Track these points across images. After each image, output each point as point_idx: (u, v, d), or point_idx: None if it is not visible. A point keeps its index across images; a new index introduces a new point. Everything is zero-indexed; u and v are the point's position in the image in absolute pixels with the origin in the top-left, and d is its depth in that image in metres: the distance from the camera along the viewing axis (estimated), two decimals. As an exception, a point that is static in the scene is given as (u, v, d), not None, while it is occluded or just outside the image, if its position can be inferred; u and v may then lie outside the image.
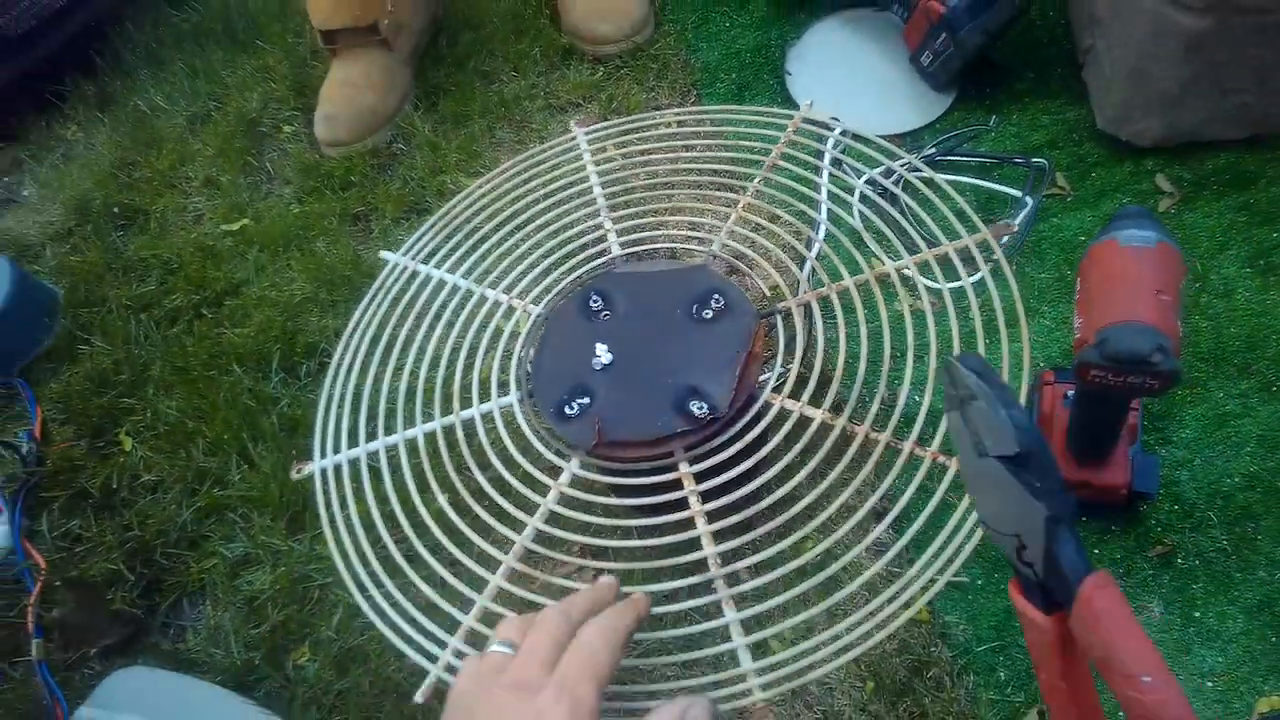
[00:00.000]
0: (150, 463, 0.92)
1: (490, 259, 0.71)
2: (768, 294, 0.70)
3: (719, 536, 0.58)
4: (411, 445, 0.67)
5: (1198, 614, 0.70)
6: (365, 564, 0.62)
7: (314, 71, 1.25)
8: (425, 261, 0.72)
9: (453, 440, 0.66)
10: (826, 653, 0.52)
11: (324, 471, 0.66)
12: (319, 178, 1.12)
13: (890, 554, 0.57)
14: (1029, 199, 0.91)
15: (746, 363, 0.62)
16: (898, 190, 0.73)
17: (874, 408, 0.62)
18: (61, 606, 0.82)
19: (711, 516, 0.59)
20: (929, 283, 0.77)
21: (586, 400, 0.63)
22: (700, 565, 0.57)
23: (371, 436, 0.68)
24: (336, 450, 0.67)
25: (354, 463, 0.67)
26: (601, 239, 0.71)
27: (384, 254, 0.74)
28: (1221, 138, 0.91)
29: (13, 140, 1.30)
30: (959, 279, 0.64)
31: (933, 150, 0.98)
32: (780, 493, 0.59)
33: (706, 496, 0.60)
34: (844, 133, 0.72)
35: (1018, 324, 0.63)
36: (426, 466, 0.65)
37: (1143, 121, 0.91)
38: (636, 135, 0.78)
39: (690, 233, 0.78)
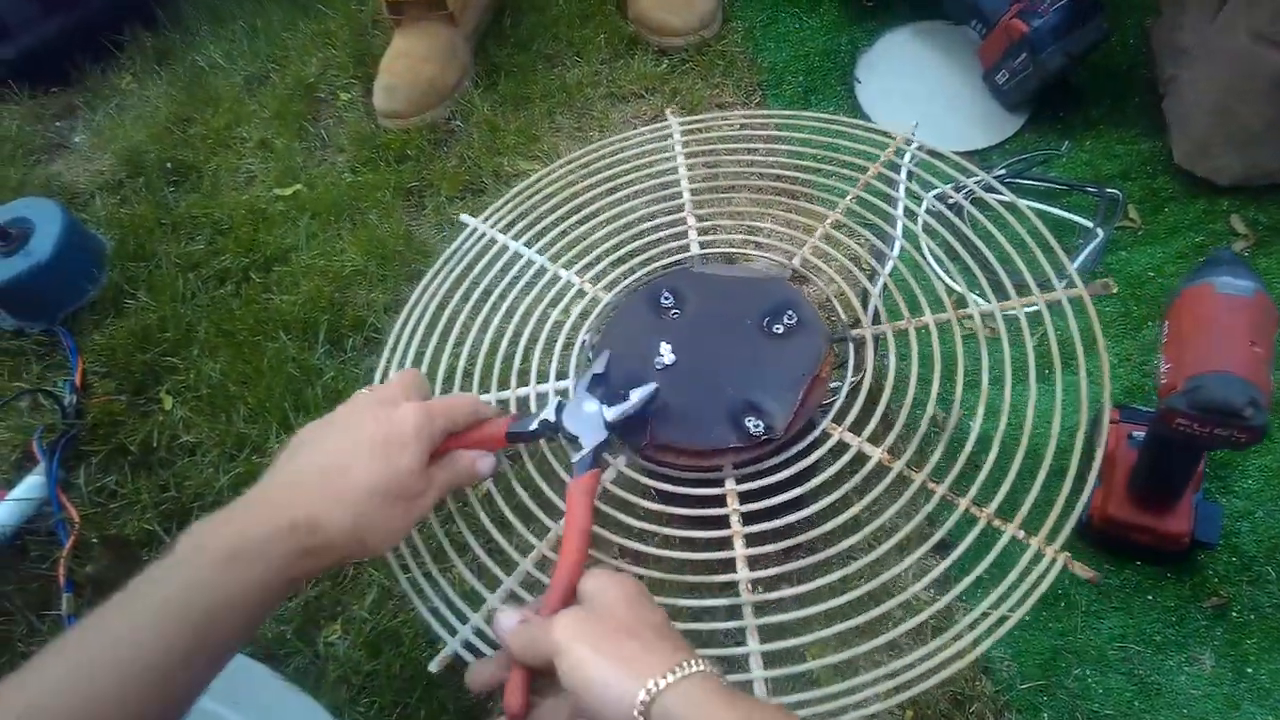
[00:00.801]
0: (190, 424, 0.91)
1: (568, 238, 0.69)
2: (843, 317, 0.68)
3: (754, 562, 0.56)
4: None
5: (1250, 669, 0.68)
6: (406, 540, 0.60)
7: (375, 40, 1.24)
8: (504, 231, 0.71)
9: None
10: (868, 694, 0.50)
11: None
12: (374, 149, 1.11)
13: (933, 608, 0.52)
14: (1100, 230, 0.89)
15: (811, 387, 0.59)
16: (979, 214, 0.71)
17: (935, 457, 0.57)
18: (95, 563, 0.82)
19: (750, 540, 0.57)
20: (985, 305, 0.74)
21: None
22: (730, 588, 0.55)
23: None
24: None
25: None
26: (682, 234, 0.68)
27: (464, 217, 0.73)
28: (1304, 183, 0.89)
29: (68, 86, 1.29)
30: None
31: (1002, 171, 0.96)
32: (827, 526, 0.56)
33: (749, 518, 0.58)
34: (926, 150, 0.70)
35: (1091, 357, 0.59)
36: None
37: (1222, 159, 0.89)
38: (729, 133, 0.76)
39: (772, 241, 0.76)
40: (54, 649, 0.41)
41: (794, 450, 0.59)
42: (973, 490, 0.55)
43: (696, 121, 0.75)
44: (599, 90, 1.13)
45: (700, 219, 0.70)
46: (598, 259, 0.69)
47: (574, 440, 0.55)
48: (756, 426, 0.58)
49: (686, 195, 0.70)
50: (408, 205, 1.06)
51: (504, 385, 0.65)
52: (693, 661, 0.40)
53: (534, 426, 0.56)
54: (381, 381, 0.64)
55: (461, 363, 0.67)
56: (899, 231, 0.69)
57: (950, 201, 0.82)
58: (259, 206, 1.07)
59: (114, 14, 1.30)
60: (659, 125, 0.75)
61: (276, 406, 0.90)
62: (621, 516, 0.58)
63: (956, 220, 0.73)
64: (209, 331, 0.96)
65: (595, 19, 1.20)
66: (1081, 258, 0.88)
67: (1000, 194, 0.69)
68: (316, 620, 0.78)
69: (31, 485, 0.87)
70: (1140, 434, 0.72)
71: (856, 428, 0.60)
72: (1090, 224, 0.90)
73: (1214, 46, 0.85)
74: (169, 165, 1.15)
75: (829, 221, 0.67)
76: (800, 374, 0.60)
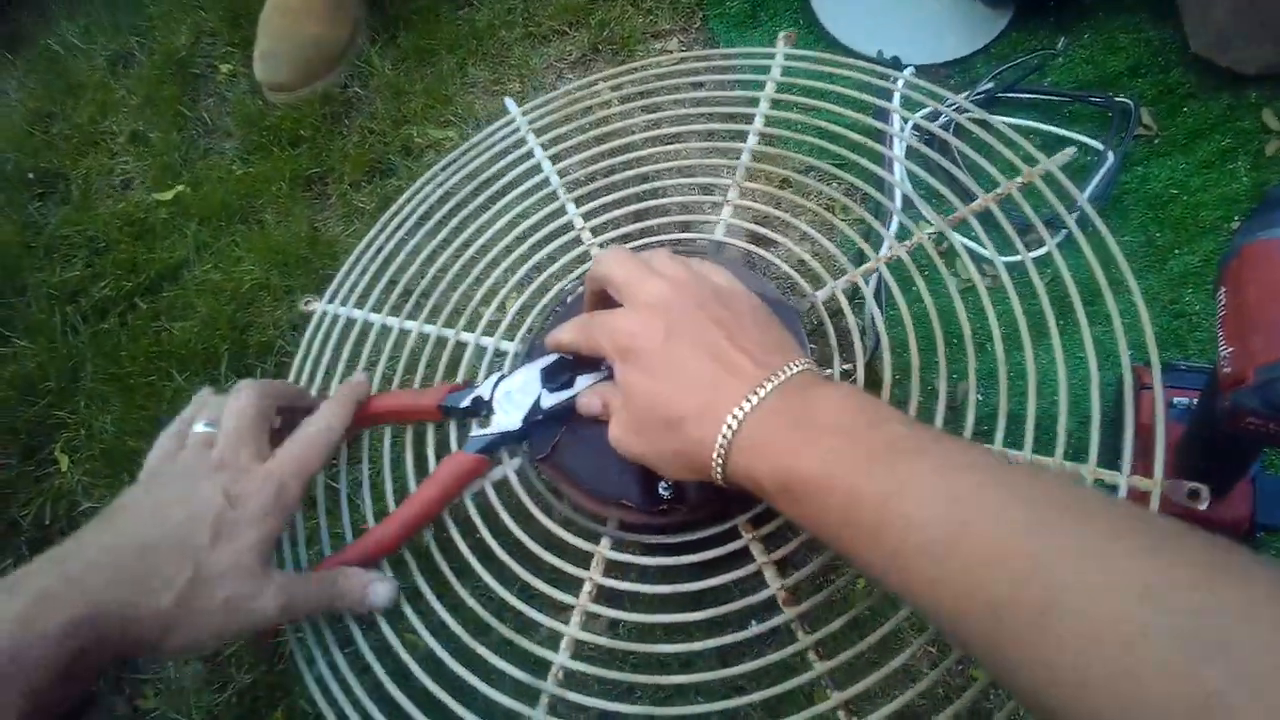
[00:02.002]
0: (90, 487, 0.79)
1: (440, 290, 0.55)
2: (798, 276, 0.55)
3: (794, 591, 0.46)
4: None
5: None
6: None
7: (251, -2, 1.07)
8: (359, 306, 0.56)
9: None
10: None
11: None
12: (264, 131, 0.95)
13: None
14: (1110, 153, 0.76)
15: None
16: (949, 137, 0.57)
17: (940, 413, 0.48)
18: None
19: (767, 544, 0.47)
20: (984, 251, 0.62)
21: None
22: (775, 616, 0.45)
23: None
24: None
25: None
26: (567, 226, 0.55)
27: (308, 305, 0.58)
28: (1345, 64, 0.75)
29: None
30: (1021, 250, 0.50)
31: (989, 85, 0.82)
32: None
33: (769, 543, 0.47)
34: (903, 67, 0.56)
35: (1099, 301, 0.48)
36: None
37: (1249, 46, 0.75)
38: (589, 102, 0.61)
39: (686, 216, 0.63)
40: None
41: (695, 536, 0.47)
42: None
43: (542, 105, 0.60)
44: (515, 31, 0.97)
45: (588, 215, 0.55)
46: (483, 303, 0.55)
47: (488, 414, 0.48)
48: (668, 489, 0.46)
49: (561, 192, 0.56)
50: (309, 197, 0.92)
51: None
52: (770, 376, 0.36)
53: (466, 403, 0.49)
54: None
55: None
56: (899, 173, 0.55)
57: (925, 131, 0.69)
58: (138, 216, 0.93)
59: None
60: (502, 121, 0.60)
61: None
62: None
63: (935, 154, 0.60)
64: (95, 376, 0.83)
65: (502, -56, 1.03)
66: (1092, 185, 0.75)
67: (984, 117, 0.55)
68: (255, 712, 0.68)
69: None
70: (1183, 401, 0.61)
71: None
72: (1099, 144, 0.77)
73: (1237, -92, 0.71)
74: (31, 175, 0.99)
75: (740, 169, 0.53)
76: None
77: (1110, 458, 0.44)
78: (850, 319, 0.49)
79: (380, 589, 0.44)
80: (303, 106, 0.95)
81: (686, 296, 0.40)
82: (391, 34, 1.00)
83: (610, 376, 0.47)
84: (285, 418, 0.48)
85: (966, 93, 0.81)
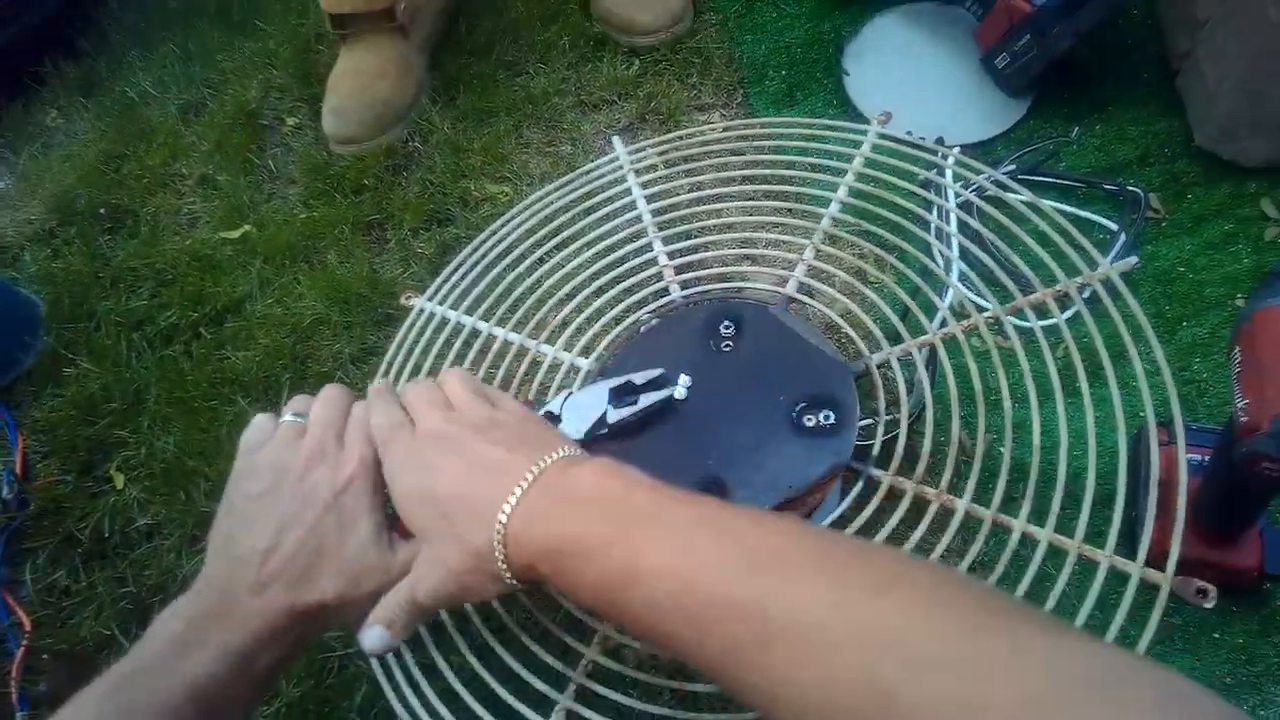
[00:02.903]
0: (146, 504, 0.83)
1: (528, 304, 0.61)
2: (856, 339, 0.61)
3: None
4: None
5: (1332, 710, 0.62)
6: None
7: (320, 58, 1.15)
8: (454, 307, 0.62)
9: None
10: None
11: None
12: (328, 179, 1.02)
13: None
14: (1123, 233, 0.82)
15: (786, 503, 0.51)
16: (989, 208, 0.63)
17: (946, 475, 0.53)
18: (49, 678, 0.73)
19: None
20: (1022, 322, 0.67)
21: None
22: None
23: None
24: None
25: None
26: (652, 262, 0.60)
27: (409, 299, 0.63)
28: (1337, 161, 0.82)
29: (-16, 126, 1.18)
30: (1053, 315, 0.56)
31: (1012, 167, 0.89)
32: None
33: None
34: (950, 146, 0.62)
35: (1122, 363, 0.53)
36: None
37: (1250, 140, 0.82)
38: (687, 151, 0.68)
39: (759, 269, 0.69)
40: None
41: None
42: (995, 498, 0.50)
43: (649, 145, 0.67)
44: (567, 99, 1.04)
45: (672, 255, 0.61)
46: (566, 321, 0.60)
47: (553, 421, 0.52)
48: None
49: (651, 230, 0.62)
50: (369, 241, 0.97)
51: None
52: (536, 464, 0.40)
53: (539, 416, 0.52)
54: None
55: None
56: (954, 246, 0.61)
57: (961, 200, 0.75)
58: (204, 252, 0.98)
59: (32, 44, 1.20)
60: (609, 157, 0.66)
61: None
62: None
63: (974, 222, 0.66)
64: (159, 399, 0.87)
65: (558, 20, 1.11)
66: (1109, 260, 0.81)
67: (1018, 192, 0.62)
68: (303, 725, 0.70)
69: (-29, 590, 0.78)
70: (1197, 458, 0.66)
71: (884, 464, 0.53)
72: (1113, 225, 0.83)
73: (1240, 22, 0.78)
74: (102, 210, 1.05)
75: (818, 235, 0.59)
76: (787, 484, 0.51)
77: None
78: (900, 382, 0.54)
79: None
80: (366, 158, 1.02)
81: (456, 422, 0.45)
82: (451, 96, 1.07)
83: (671, 395, 0.52)
84: None
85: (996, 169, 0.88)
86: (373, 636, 0.43)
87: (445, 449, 0.44)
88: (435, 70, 1.10)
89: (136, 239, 1.02)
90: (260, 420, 0.50)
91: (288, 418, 0.50)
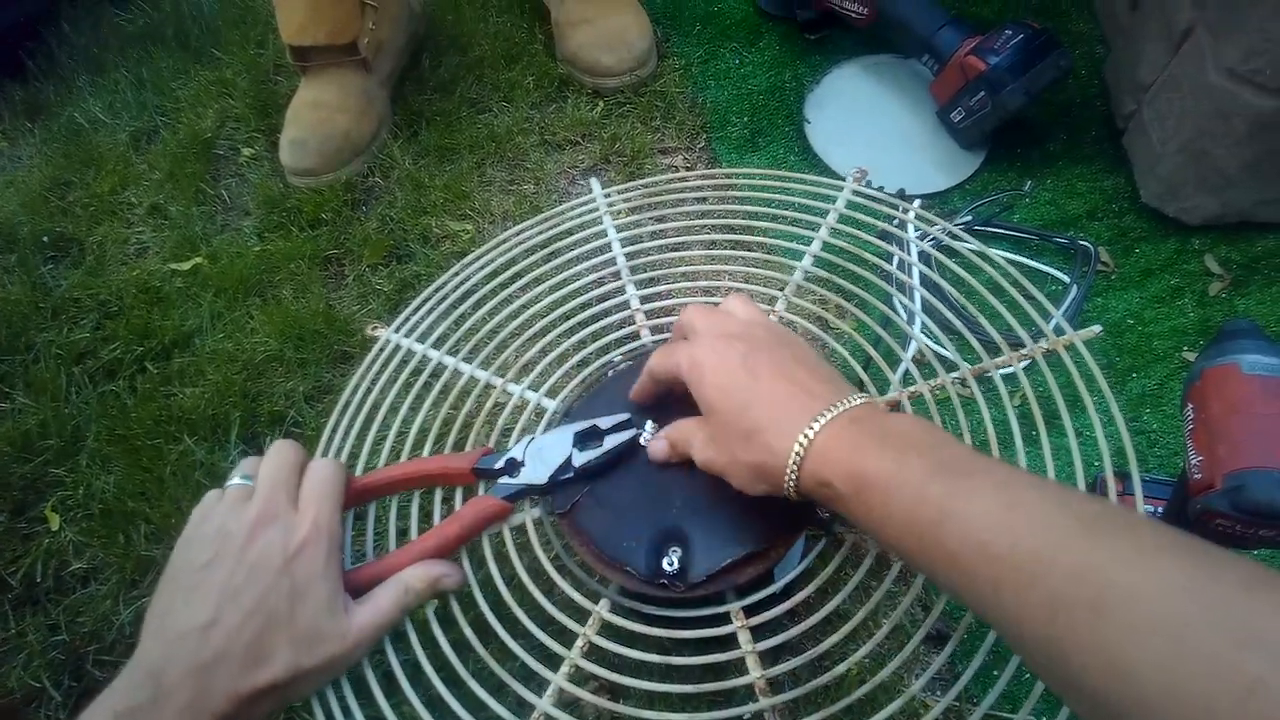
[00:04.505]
0: (82, 548, 0.79)
1: (496, 341, 0.59)
2: None
3: (764, 657, 0.49)
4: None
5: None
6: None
7: (279, 88, 1.13)
8: (421, 340, 0.60)
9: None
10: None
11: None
12: (284, 212, 1.00)
13: (953, 692, 0.48)
14: (1075, 285, 0.84)
15: (747, 561, 0.49)
16: (947, 260, 0.64)
17: None
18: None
19: (755, 633, 0.50)
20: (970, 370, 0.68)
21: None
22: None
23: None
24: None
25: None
26: (624, 305, 0.59)
27: (375, 330, 0.62)
28: (1275, 219, 0.86)
29: (-76, 148, 1.14)
30: (1015, 365, 0.56)
31: (968, 218, 0.91)
32: (824, 611, 0.49)
33: (757, 633, 0.50)
34: (910, 199, 0.63)
35: (1078, 413, 0.54)
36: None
37: (1194, 199, 0.85)
38: (662, 196, 0.67)
39: None
40: None
41: (682, 615, 0.49)
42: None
43: (626, 188, 0.66)
44: (531, 138, 1.04)
45: (645, 299, 0.60)
46: (534, 360, 0.59)
47: (516, 468, 0.51)
48: (671, 565, 0.49)
49: (625, 273, 0.61)
50: (326, 276, 0.95)
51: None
52: (841, 399, 0.40)
53: (500, 464, 0.51)
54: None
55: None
56: (917, 300, 0.61)
57: (925, 255, 0.76)
58: (153, 284, 0.95)
59: (-25, 65, 1.16)
60: (586, 198, 0.66)
61: (184, 522, 0.78)
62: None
63: (932, 274, 0.66)
64: (99, 436, 0.84)
65: (522, 60, 1.11)
66: (1061, 311, 0.83)
67: (970, 244, 0.63)
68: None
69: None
70: (1151, 509, 0.67)
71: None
72: (1065, 277, 0.86)
73: (1183, 86, 0.82)
74: (45, 239, 1.01)
75: (789, 290, 0.59)
76: (751, 538, 0.49)
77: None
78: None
79: (449, 579, 0.47)
80: (324, 191, 1.00)
81: (761, 330, 0.45)
82: (414, 131, 1.06)
83: (636, 438, 0.51)
84: None
85: (951, 222, 0.90)
86: (657, 447, 0.48)
87: (769, 351, 0.44)
88: (397, 105, 1.09)
89: (81, 269, 0.99)
90: (209, 495, 0.47)
91: (235, 481, 0.47)
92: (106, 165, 1.07)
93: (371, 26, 1.02)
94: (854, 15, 1.02)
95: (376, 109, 1.05)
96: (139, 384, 0.88)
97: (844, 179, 0.62)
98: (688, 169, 1.01)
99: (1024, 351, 0.56)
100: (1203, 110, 0.80)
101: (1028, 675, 0.47)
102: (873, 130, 1.02)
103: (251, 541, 0.42)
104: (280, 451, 0.47)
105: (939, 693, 0.66)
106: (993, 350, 0.57)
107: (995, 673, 0.45)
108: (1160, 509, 0.65)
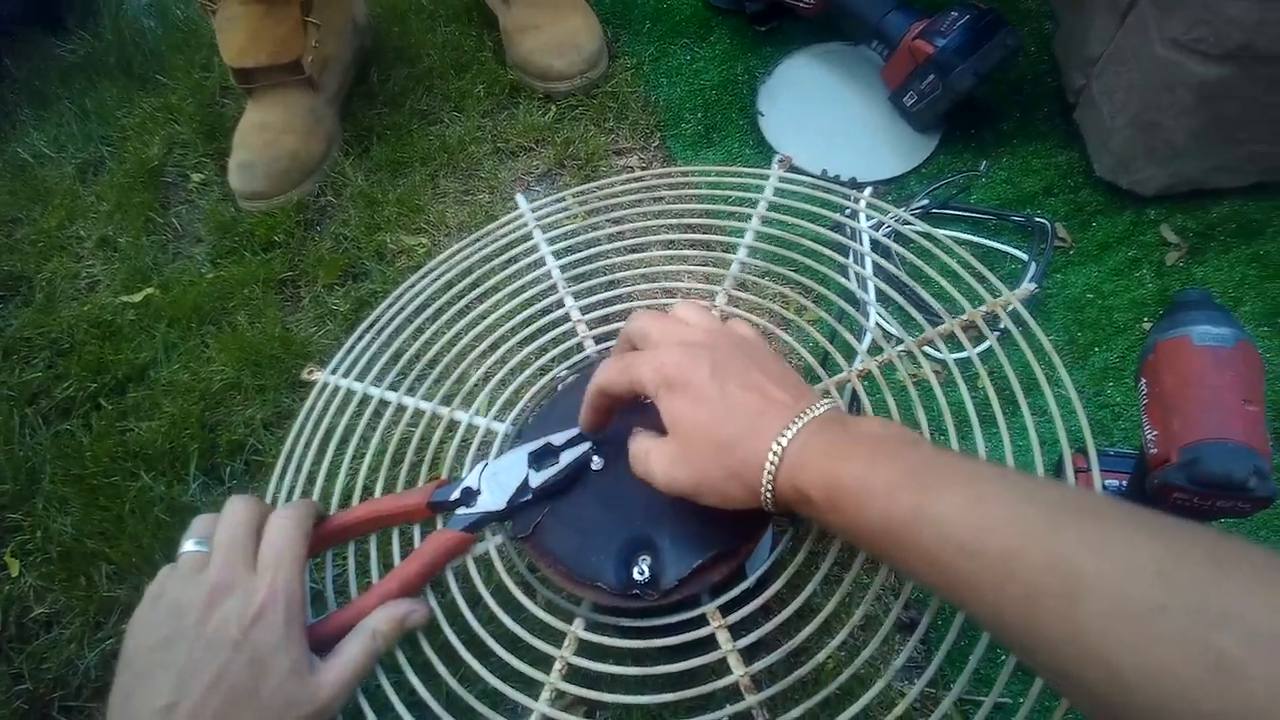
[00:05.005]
0: (43, 592, 0.77)
1: (439, 369, 0.58)
2: None
3: (745, 655, 0.48)
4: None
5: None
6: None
7: (226, 111, 1.11)
8: (361, 378, 0.59)
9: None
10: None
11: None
12: (237, 236, 0.98)
13: (925, 677, 0.47)
14: (1033, 263, 0.84)
15: (719, 560, 0.49)
16: (897, 247, 0.64)
17: None
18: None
19: (734, 631, 0.49)
20: (936, 354, 0.68)
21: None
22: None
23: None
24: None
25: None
26: (565, 318, 0.58)
27: (310, 374, 0.60)
28: (1227, 186, 0.85)
29: None
30: (965, 349, 0.56)
31: (926, 201, 0.90)
32: (797, 603, 0.48)
33: (735, 631, 0.49)
34: (861, 186, 0.63)
35: (1037, 393, 0.53)
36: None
37: (1146, 170, 0.85)
38: (591, 207, 0.66)
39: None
40: None
41: (659, 623, 0.49)
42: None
43: (554, 199, 0.65)
44: (484, 147, 1.03)
45: (585, 309, 0.59)
46: (478, 386, 0.58)
47: (473, 496, 0.50)
48: (642, 573, 0.48)
49: (562, 285, 0.60)
50: (281, 299, 0.94)
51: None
52: (809, 406, 0.40)
53: (456, 495, 0.51)
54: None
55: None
56: (869, 288, 0.61)
57: (872, 240, 0.76)
58: (104, 318, 0.93)
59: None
60: (514, 214, 0.65)
61: (146, 560, 0.77)
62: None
63: (885, 262, 0.66)
64: (55, 477, 0.82)
65: (472, 68, 1.10)
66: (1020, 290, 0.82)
67: (926, 231, 0.62)
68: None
69: None
70: (1115, 483, 0.66)
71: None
72: (1024, 255, 0.85)
73: (1129, 59, 0.82)
74: (-7, 278, 0.99)
75: (728, 282, 0.58)
76: (718, 537, 0.48)
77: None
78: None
79: (415, 616, 0.47)
80: (276, 214, 0.98)
81: (722, 339, 0.45)
82: (365, 147, 1.05)
83: (597, 452, 0.50)
84: None
85: (905, 207, 0.89)
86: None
87: (734, 360, 0.43)
88: (347, 121, 1.08)
89: (31, 307, 0.97)
90: (163, 570, 0.45)
91: (188, 547, 0.45)
92: (53, 199, 1.06)
93: (315, 44, 1.00)
94: (802, 4, 1.02)
95: (325, 127, 1.03)
96: (94, 421, 0.86)
97: (769, 168, 0.62)
98: (643, 169, 1.00)
99: (963, 318, 0.55)
100: (1149, 82, 0.79)
101: (1002, 657, 0.46)
102: (827, 119, 1.01)
103: (208, 615, 0.41)
104: (234, 512, 0.46)
105: (913, 680, 0.66)
106: (936, 323, 0.57)
107: (969, 656, 0.44)
108: (1124, 483, 0.65)
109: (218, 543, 0.44)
